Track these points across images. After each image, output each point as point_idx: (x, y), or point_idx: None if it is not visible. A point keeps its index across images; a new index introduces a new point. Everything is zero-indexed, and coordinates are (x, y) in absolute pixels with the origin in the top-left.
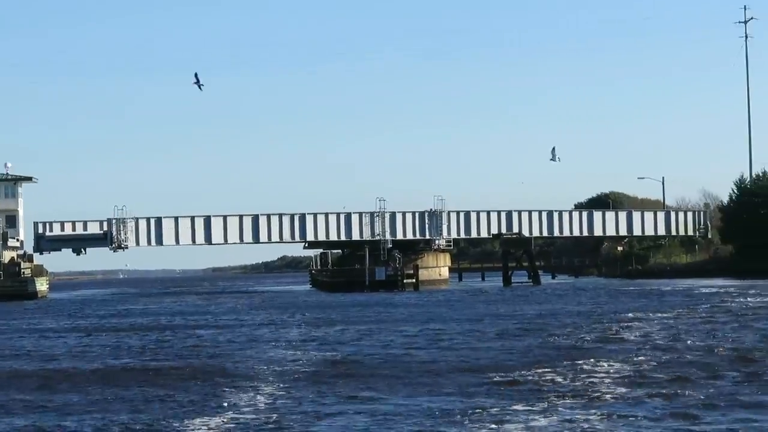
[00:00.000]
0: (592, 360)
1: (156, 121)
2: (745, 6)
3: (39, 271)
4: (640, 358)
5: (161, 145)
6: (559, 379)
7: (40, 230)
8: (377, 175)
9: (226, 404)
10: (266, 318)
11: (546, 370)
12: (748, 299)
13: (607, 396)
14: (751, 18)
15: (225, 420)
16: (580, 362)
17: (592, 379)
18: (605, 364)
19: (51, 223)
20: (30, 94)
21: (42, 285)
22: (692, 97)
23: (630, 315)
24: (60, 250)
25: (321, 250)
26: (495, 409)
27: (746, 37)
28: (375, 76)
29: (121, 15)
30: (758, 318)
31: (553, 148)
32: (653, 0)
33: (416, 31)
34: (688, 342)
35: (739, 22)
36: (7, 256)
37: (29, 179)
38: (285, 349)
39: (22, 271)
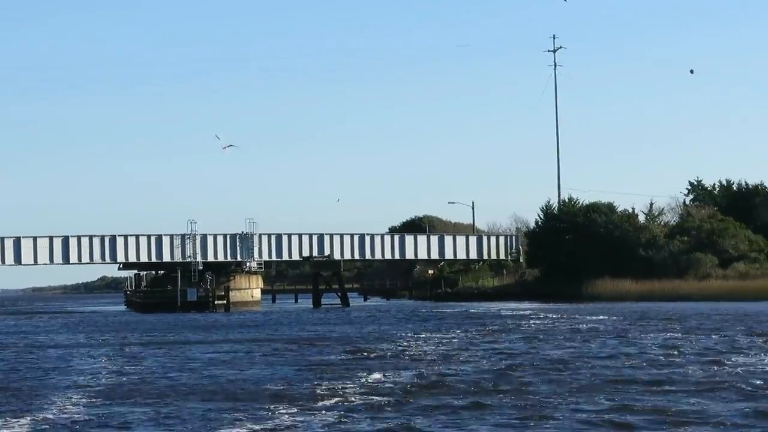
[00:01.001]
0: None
1: None
2: (554, 35)
3: None
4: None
5: None
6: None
7: None
8: (188, 196)
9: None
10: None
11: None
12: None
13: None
14: (560, 47)
15: None
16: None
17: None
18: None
19: None
20: None
21: None
22: (503, 123)
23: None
24: None
25: (135, 272)
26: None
27: (555, 65)
28: (186, 96)
29: None
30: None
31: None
32: (468, 27)
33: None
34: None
35: (549, 50)
36: None
37: None
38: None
39: None
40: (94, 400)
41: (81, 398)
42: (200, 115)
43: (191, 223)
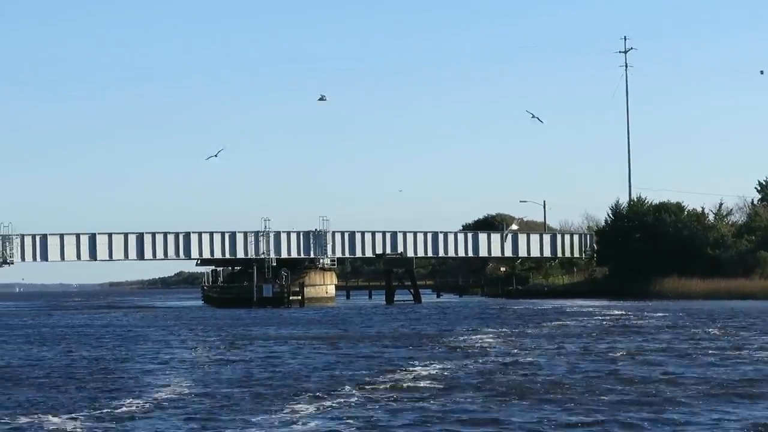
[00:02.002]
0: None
1: (42, 137)
2: (625, 36)
3: None
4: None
5: (48, 161)
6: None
7: None
8: (261, 195)
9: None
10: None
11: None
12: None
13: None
14: (631, 48)
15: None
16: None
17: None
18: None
19: None
20: None
21: None
22: (575, 122)
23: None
24: None
25: (213, 267)
26: None
27: (626, 66)
28: (255, 94)
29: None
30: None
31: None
32: (540, 27)
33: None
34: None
35: (620, 51)
36: None
37: None
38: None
39: None
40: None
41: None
42: (275, 114)
43: (265, 220)
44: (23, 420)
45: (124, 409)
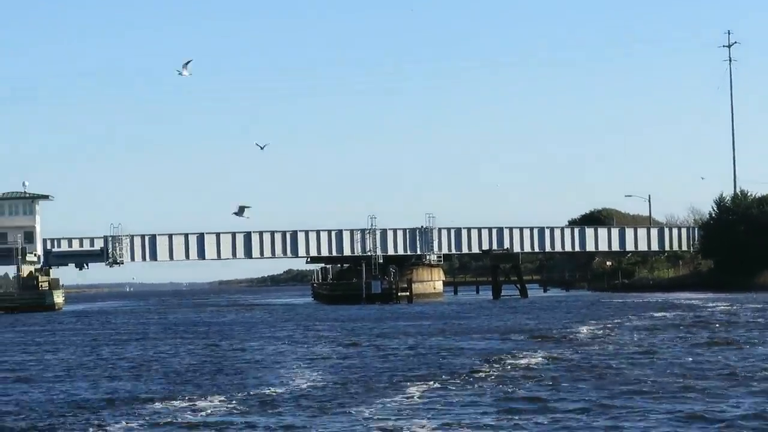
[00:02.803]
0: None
1: (149, 140)
2: (729, 31)
3: (55, 284)
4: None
5: (155, 162)
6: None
7: (48, 246)
8: (368, 193)
9: None
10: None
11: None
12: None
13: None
14: (735, 42)
15: None
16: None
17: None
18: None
19: (59, 240)
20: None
21: (58, 297)
22: (679, 117)
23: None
24: (66, 265)
25: (322, 265)
26: None
27: (730, 60)
28: (358, 93)
29: (156, 27)
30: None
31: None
32: (641, 18)
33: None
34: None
35: (724, 46)
36: (26, 270)
37: (46, 197)
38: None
39: (40, 284)
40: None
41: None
42: (382, 111)
43: (371, 218)
44: (176, 403)
45: (263, 394)
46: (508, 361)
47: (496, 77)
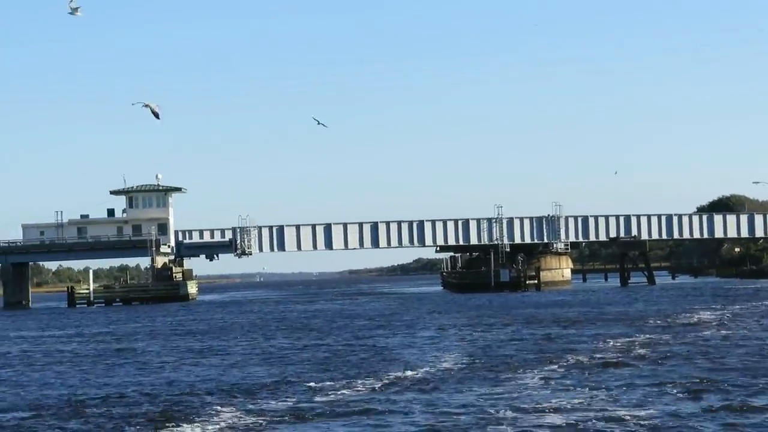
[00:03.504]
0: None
1: (274, 134)
2: None
3: (189, 274)
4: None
5: (282, 154)
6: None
7: (180, 238)
8: (494, 181)
9: None
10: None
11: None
12: None
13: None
14: None
15: None
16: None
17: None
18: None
19: (191, 231)
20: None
21: (192, 288)
22: None
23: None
24: (198, 256)
25: (451, 254)
26: None
27: None
28: (485, 84)
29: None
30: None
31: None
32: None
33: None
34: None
35: None
36: (160, 261)
37: (179, 189)
38: None
39: (174, 275)
40: None
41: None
42: (506, 101)
43: (497, 207)
44: (312, 384)
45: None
46: (626, 344)
47: (626, 63)
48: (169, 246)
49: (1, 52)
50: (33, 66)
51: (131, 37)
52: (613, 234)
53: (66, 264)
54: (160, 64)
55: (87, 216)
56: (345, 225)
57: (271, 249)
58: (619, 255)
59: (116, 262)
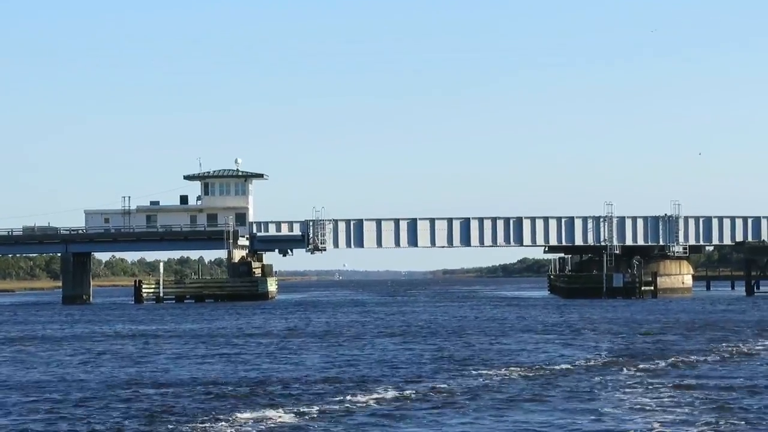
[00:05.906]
0: None
1: (350, 126)
2: None
3: (269, 270)
4: None
5: (357, 147)
6: None
7: (254, 230)
8: (604, 179)
9: None
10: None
11: None
12: None
13: None
14: None
15: None
16: None
17: None
18: None
19: (267, 224)
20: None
21: (272, 285)
22: None
23: None
24: (273, 251)
25: (561, 255)
26: None
27: None
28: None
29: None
30: None
31: None
32: None
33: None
34: None
35: None
36: (237, 255)
37: (260, 176)
38: None
39: (253, 270)
40: None
41: None
42: (614, 93)
43: (607, 204)
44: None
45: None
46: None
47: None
48: (246, 238)
49: (69, 32)
50: (101, 43)
51: (212, 18)
52: (739, 238)
53: (119, 255)
54: (241, 49)
55: (157, 203)
56: (432, 220)
57: (348, 245)
58: (745, 261)
59: (187, 254)
